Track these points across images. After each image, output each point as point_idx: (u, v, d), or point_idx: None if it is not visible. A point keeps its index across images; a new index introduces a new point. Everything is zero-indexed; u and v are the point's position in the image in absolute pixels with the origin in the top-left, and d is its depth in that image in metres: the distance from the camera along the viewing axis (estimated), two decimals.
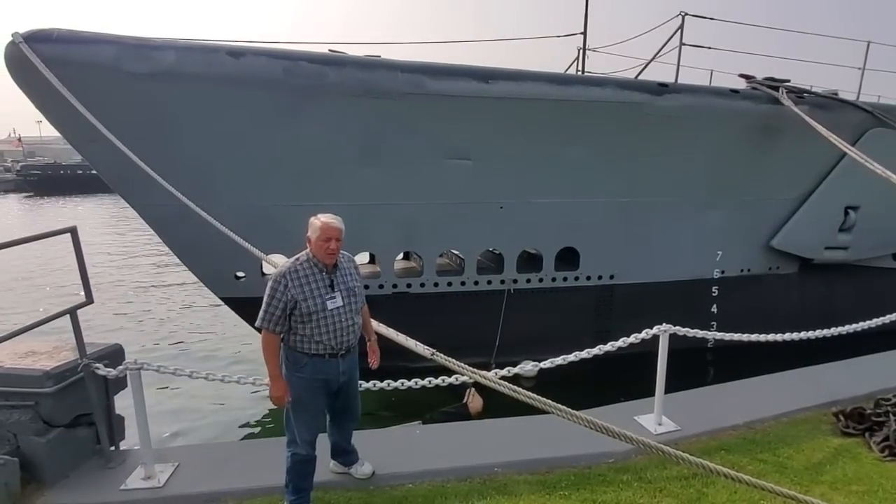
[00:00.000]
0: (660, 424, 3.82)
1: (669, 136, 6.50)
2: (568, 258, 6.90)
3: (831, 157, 7.16)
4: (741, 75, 7.12)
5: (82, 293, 3.30)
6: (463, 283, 6.67)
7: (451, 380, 3.60)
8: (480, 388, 5.00)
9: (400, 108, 5.58)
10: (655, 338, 3.65)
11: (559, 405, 2.68)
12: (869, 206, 7.57)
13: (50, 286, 12.04)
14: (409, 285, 6.54)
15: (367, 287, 6.15)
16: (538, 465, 3.41)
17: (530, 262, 7.02)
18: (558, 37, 7.70)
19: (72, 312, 3.20)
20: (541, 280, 6.84)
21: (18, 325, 2.93)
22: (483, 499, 3.11)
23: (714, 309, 7.55)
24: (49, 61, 4.59)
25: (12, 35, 4.64)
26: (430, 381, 3.66)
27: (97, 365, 3.24)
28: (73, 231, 3.20)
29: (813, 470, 3.36)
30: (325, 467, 3.18)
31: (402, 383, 3.61)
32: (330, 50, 5.71)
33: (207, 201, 4.89)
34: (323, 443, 3.01)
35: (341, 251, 2.79)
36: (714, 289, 7.55)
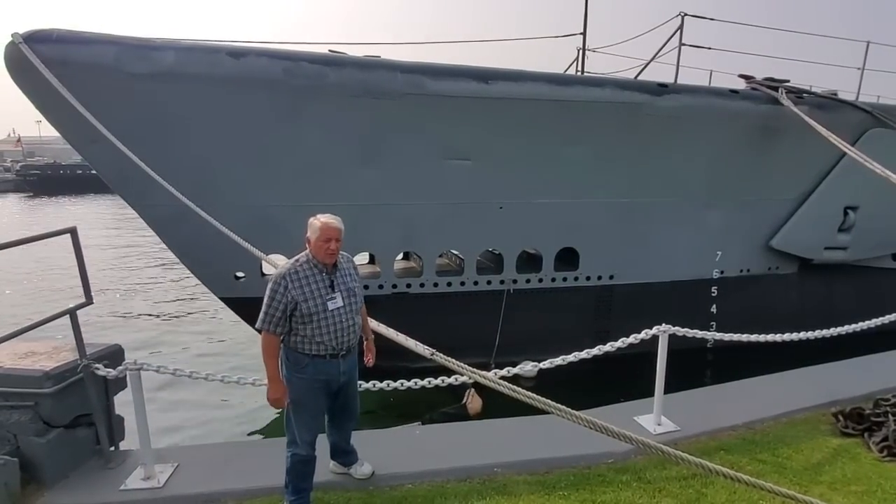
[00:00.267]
0: (659, 425, 3.82)
1: (669, 136, 6.51)
2: (567, 258, 6.91)
3: (831, 158, 7.17)
4: (741, 76, 7.13)
5: (82, 294, 3.30)
6: (463, 284, 6.68)
7: (451, 380, 3.60)
8: (480, 388, 5.00)
9: (400, 109, 5.59)
10: (655, 338, 3.65)
11: (559, 405, 2.69)
12: (868, 206, 7.58)
13: (49, 287, 12.04)
14: (408, 285, 6.54)
15: (366, 287, 6.22)
16: (537, 465, 3.41)
17: (530, 262, 7.02)
18: (558, 37, 7.71)
19: (71, 313, 3.20)
20: (540, 280, 6.84)
21: (18, 326, 2.93)
22: (482, 499, 3.11)
23: (713, 309, 7.55)
24: (49, 62, 4.59)
25: (12, 35, 4.64)
26: (429, 382, 3.67)
27: (97, 365, 3.24)
28: (72, 231, 3.20)
29: (812, 470, 3.36)
30: (325, 467, 3.18)
31: (402, 383, 3.61)
32: (330, 50, 5.71)
33: (207, 201, 4.89)
34: (322, 443, 3.02)
35: (340, 251, 2.79)
36: (713, 289, 7.55)
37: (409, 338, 3.33)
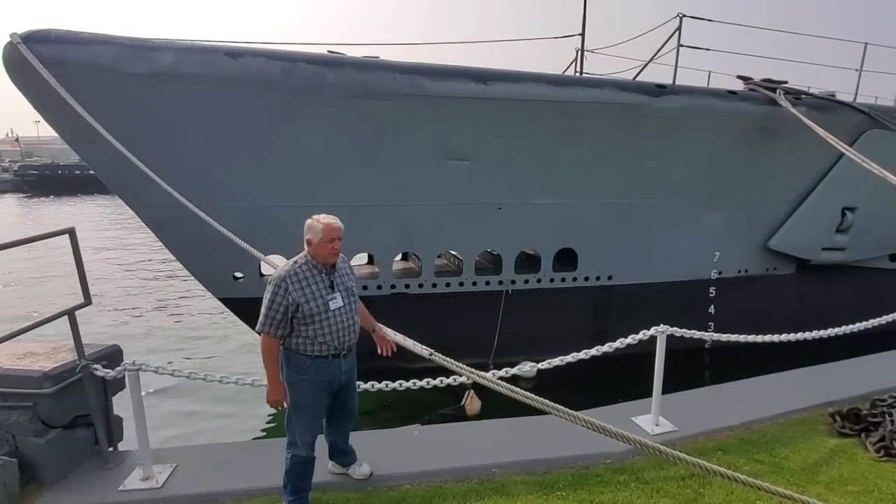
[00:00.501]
0: (657, 425, 3.83)
1: (667, 137, 6.52)
2: (566, 259, 6.91)
3: (828, 159, 7.19)
4: (739, 77, 7.14)
5: (80, 294, 3.30)
6: (461, 284, 6.68)
7: (450, 381, 3.61)
8: (479, 389, 5.01)
9: (398, 109, 5.59)
10: (653, 338, 3.66)
11: (557, 405, 2.70)
12: (866, 207, 7.60)
13: (48, 287, 12.01)
14: (407, 286, 6.54)
15: (365, 288, 6.22)
16: (536, 465, 3.42)
17: (528, 262, 7.03)
18: (556, 38, 7.72)
19: (70, 313, 3.20)
20: (539, 281, 6.85)
21: (17, 327, 2.93)
22: (481, 499, 3.12)
23: (711, 310, 7.56)
24: (47, 62, 4.58)
25: (10, 36, 4.63)
26: (428, 382, 3.67)
27: (95, 366, 3.24)
28: (71, 232, 3.20)
29: (809, 470, 3.37)
30: (323, 468, 3.19)
31: (401, 384, 3.62)
32: (329, 51, 5.71)
33: (206, 202, 4.88)
34: (321, 443, 3.02)
35: None
36: (711, 289, 7.57)
37: (407, 338, 3.33)
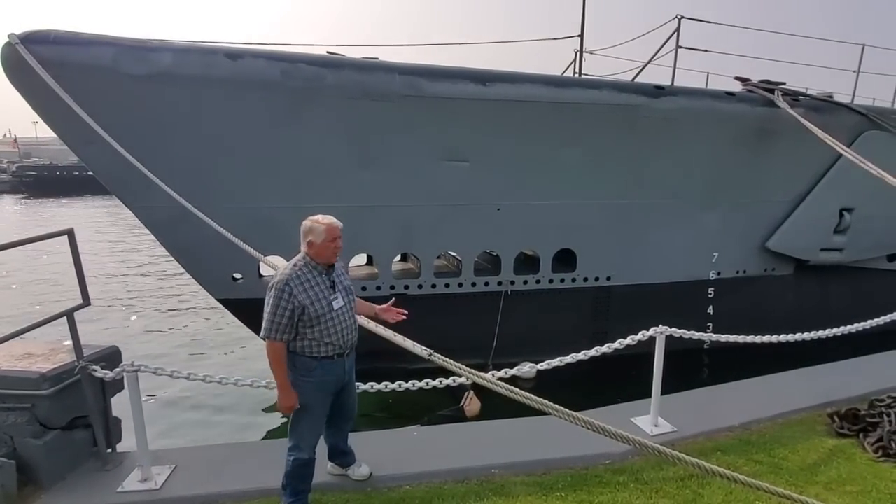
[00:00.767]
0: (656, 426, 3.83)
1: (666, 138, 6.54)
2: (565, 260, 6.92)
3: (826, 160, 7.21)
4: (737, 78, 7.16)
5: (79, 295, 3.29)
6: (460, 285, 6.68)
7: (449, 381, 3.61)
8: (478, 389, 5.00)
9: (398, 110, 5.59)
10: (652, 339, 3.67)
11: (556, 406, 2.70)
12: (864, 207, 7.62)
13: (47, 288, 11.99)
14: (406, 287, 6.54)
15: (364, 289, 6.22)
16: (535, 466, 3.42)
17: (527, 263, 7.03)
18: (555, 39, 7.73)
19: (69, 314, 3.19)
20: (538, 282, 6.85)
21: (15, 328, 2.93)
22: (480, 500, 3.12)
23: (710, 310, 7.58)
24: (46, 63, 4.58)
25: (9, 36, 4.63)
26: (427, 383, 3.66)
27: (94, 367, 3.23)
28: (70, 233, 3.20)
29: (808, 470, 3.38)
30: (323, 469, 3.18)
31: (400, 385, 3.61)
32: (328, 52, 5.72)
33: (205, 203, 4.88)
34: (320, 444, 3.02)
35: None
36: (710, 290, 7.58)
37: (406, 339, 3.33)
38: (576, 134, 6.20)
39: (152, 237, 5.88)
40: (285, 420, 3.55)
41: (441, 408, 5.65)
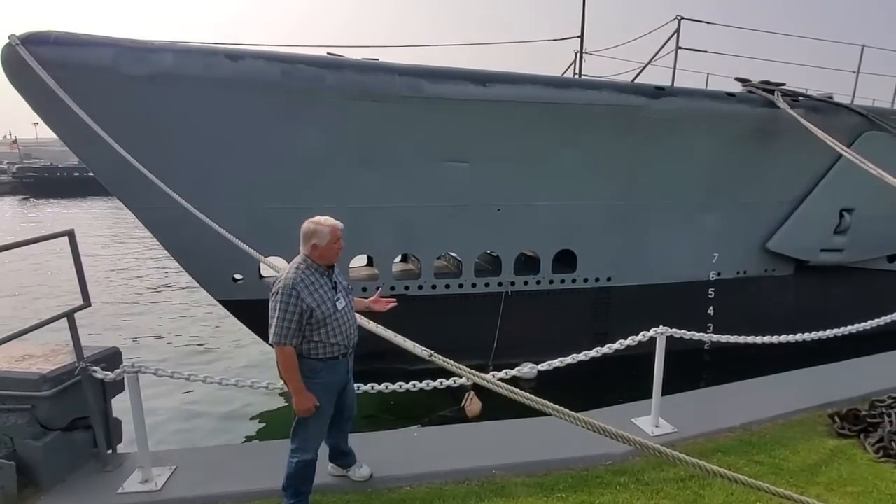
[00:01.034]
0: (657, 426, 3.83)
1: (666, 139, 6.54)
2: (565, 260, 6.92)
3: (826, 160, 7.21)
4: (737, 79, 7.16)
5: (79, 296, 3.29)
6: (461, 286, 6.68)
7: (450, 382, 3.61)
8: (479, 390, 5.00)
9: (398, 111, 5.60)
10: (652, 340, 3.67)
11: (557, 406, 2.70)
12: (864, 208, 7.62)
13: (47, 289, 11.99)
14: (406, 287, 6.54)
15: (365, 290, 6.21)
16: (536, 467, 3.41)
17: (528, 264, 7.03)
18: (555, 40, 7.74)
19: (69, 315, 3.19)
20: (538, 282, 6.86)
21: (15, 329, 2.92)
22: (481, 501, 3.11)
23: (710, 311, 7.58)
24: (46, 64, 4.58)
25: (9, 37, 4.63)
26: (427, 384, 3.66)
27: (94, 368, 3.23)
28: (70, 234, 3.20)
29: (809, 471, 3.38)
30: (323, 470, 3.18)
31: (401, 386, 3.61)
32: (328, 53, 5.72)
33: (205, 204, 4.88)
34: (321, 445, 3.02)
35: None
36: (710, 291, 7.58)
37: (407, 339, 3.33)
38: (576, 135, 6.21)
39: (153, 238, 5.88)
40: (286, 421, 3.56)
41: (442, 408, 5.65)
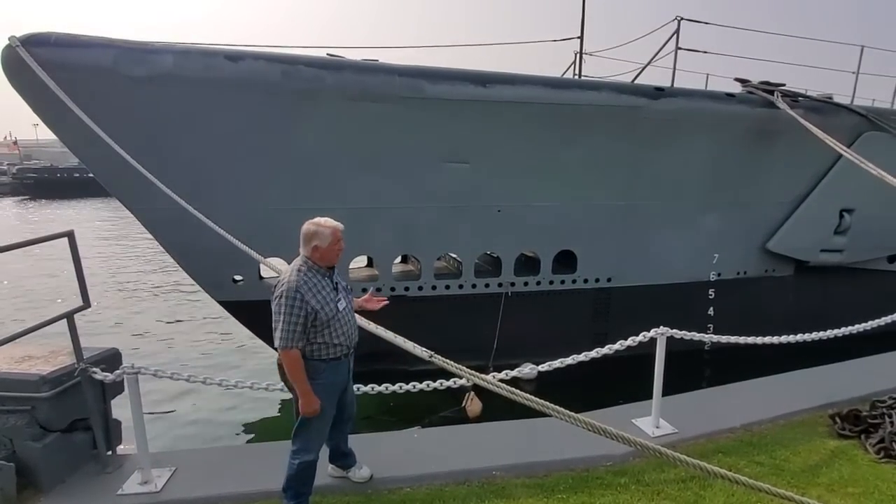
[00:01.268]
0: (657, 427, 3.82)
1: (666, 139, 6.54)
2: (565, 261, 6.92)
3: (826, 161, 7.21)
4: (737, 79, 7.16)
5: (79, 297, 3.29)
6: (461, 286, 6.68)
7: (450, 383, 3.61)
8: (479, 391, 4.99)
9: (398, 112, 5.60)
10: (653, 340, 3.67)
11: (557, 407, 2.70)
12: (864, 208, 7.62)
13: (46, 290, 11.98)
14: (407, 288, 6.54)
15: (364, 290, 6.20)
16: (536, 468, 3.41)
17: (528, 264, 7.03)
18: (555, 41, 7.75)
19: (69, 317, 3.19)
20: (538, 283, 6.85)
21: (15, 330, 2.92)
22: (481, 502, 3.11)
23: (711, 311, 7.57)
24: (46, 65, 4.58)
25: (9, 39, 4.63)
26: (427, 385, 3.66)
27: (94, 369, 3.23)
28: (70, 235, 3.20)
29: (809, 472, 3.37)
30: (323, 471, 3.17)
31: (401, 386, 3.61)
32: (328, 54, 5.72)
33: (205, 204, 4.88)
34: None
35: None
36: (711, 291, 7.58)
37: (407, 340, 3.33)
38: (576, 135, 6.21)
39: (152, 239, 5.88)
40: (286, 422, 3.55)
41: (442, 409, 5.64)
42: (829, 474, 3.34)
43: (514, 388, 2.84)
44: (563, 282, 6.95)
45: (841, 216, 7.69)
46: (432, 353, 3.15)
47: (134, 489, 3.17)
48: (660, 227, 7.03)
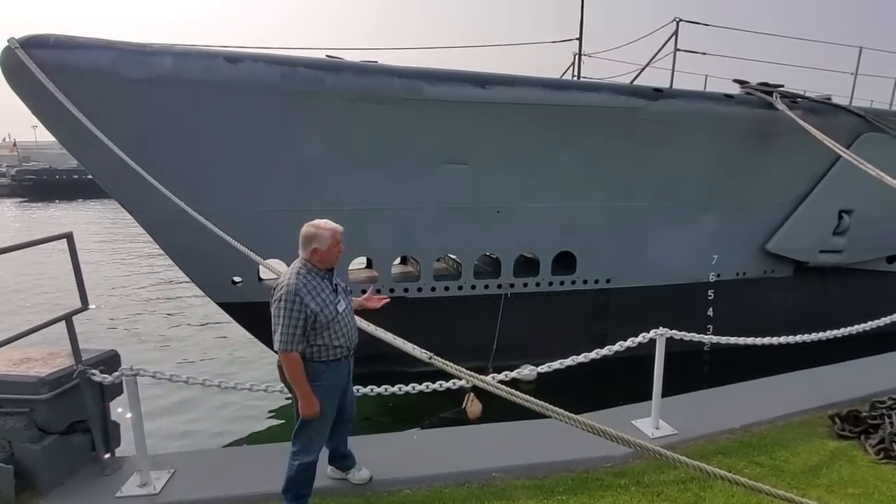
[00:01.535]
0: (657, 428, 3.82)
1: (665, 140, 6.55)
2: (565, 262, 6.92)
3: (825, 161, 7.23)
4: (735, 80, 7.18)
5: (78, 299, 3.28)
6: (460, 288, 6.68)
7: (449, 384, 3.60)
8: (478, 392, 4.99)
9: (397, 113, 5.60)
10: (652, 341, 3.66)
11: (557, 409, 2.70)
12: (863, 209, 7.63)
13: (45, 292, 11.97)
14: (406, 290, 6.54)
15: (364, 292, 6.20)
16: (536, 469, 3.41)
17: (527, 266, 7.03)
18: (554, 42, 7.76)
19: (67, 318, 3.18)
20: (538, 284, 6.85)
21: (13, 332, 2.92)
22: None
23: (710, 312, 7.58)
24: (46, 67, 4.59)
25: (8, 41, 4.63)
26: (427, 386, 3.66)
27: (93, 371, 3.22)
28: (68, 237, 3.19)
29: (809, 473, 3.37)
30: (323, 473, 3.17)
31: (400, 388, 3.60)
32: (327, 55, 5.73)
33: (204, 206, 4.88)
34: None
35: None
36: (710, 292, 7.58)
37: (406, 342, 3.33)
38: (575, 136, 6.21)
39: (151, 240, 5.87)
40: (285, 424, 3.55)
41: (441, 411, 5.64)
42: (828, 475, 3.34)
43: (513, 390, 2.84)
44: (562, 283, 6.96)
45: (840, 217, 7.70)
46: (432, 354, 3.15)
47: (133, 491, 3.16)
48: (659, 228, 7.03)
